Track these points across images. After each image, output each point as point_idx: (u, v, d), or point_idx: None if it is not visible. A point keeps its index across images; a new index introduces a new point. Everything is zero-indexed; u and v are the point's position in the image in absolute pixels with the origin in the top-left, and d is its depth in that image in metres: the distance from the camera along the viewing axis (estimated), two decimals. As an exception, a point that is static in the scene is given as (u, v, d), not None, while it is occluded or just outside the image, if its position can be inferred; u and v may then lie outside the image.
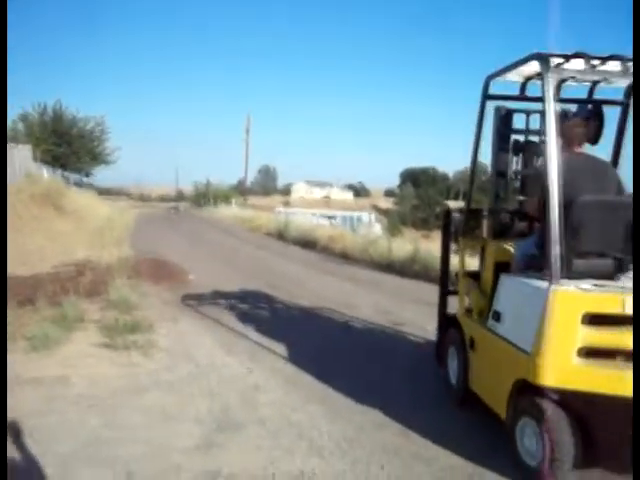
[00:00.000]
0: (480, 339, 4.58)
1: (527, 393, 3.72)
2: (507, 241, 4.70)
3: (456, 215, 5.38)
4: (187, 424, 4.53)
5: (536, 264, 4.00)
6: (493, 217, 4.89)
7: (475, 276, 5.09)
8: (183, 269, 12.56)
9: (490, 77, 4.66)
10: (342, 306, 9.20)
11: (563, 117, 4.24)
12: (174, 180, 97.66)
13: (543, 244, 3.83)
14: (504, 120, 4.82)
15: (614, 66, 3.98)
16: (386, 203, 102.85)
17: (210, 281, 11.09)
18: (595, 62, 3.93)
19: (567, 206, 3.70)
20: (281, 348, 6.81)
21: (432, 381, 5.68)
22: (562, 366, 3.52)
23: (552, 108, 3.75)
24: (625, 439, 3.18)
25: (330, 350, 6.81)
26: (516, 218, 4.70)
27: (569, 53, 3.90)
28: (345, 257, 16.37)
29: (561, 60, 3.92)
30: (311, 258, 16.66)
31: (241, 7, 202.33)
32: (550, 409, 3.54)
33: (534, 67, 4.23)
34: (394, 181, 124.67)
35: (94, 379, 5.46)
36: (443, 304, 5.69)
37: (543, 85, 3.79)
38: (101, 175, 47.49)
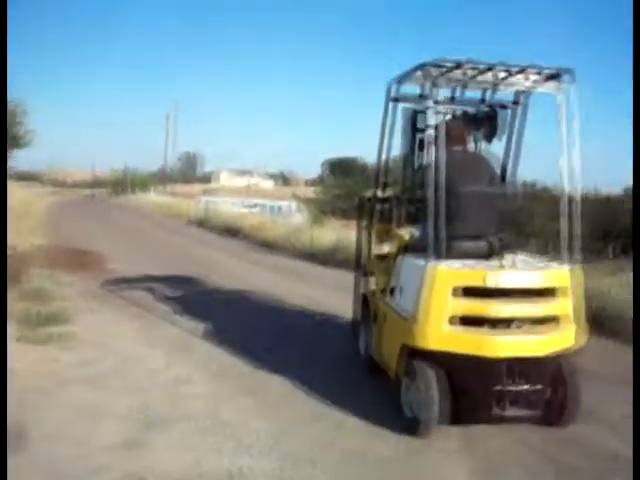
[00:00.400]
0: (381, 312, 5.09)
1: (409, 356, 4.32)
2: (413, 227, 5.07)
3: (368, 203, 5.89)
4: (110, 422, 4.33)
5: (422, 246, 4.44)
6: (400, 206, 5.37)
7: (384, 258, 5.54)
8: (102, 258, 12.26)
9: (392, 82, 5.19)
10: (267, 295, 9.13)
11: (452, 118, 5.14)
12: (90, 165, 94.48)
13: (425, 230, 4.38)
14: (410, 119, 5.14)
15: (491, 76, 4.64)
16: (308, 192, 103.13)
17: (131, 270, 10.79)
18: (472, 72, 4.54)
19: (448, 196, 4.21)
20: (206, 338, 6.68)
21: (350, 355, 6.03)
22: (435, 331, 4.07)
23: (432, 111, 4.43)
24: (489, 393, 4.02)
25: (257, 338, 6.73)
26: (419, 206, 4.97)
27: (453, 63, 4.35)
28: (268, 246, 16.28)
29: (443, 70, 4.42)
30: (234, 247, 16.53)
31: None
32: (424, 368, 4.13)
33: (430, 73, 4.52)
34: (316, 171, 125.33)
35: (9, 375, 5.19)
36: (358, 285, 6.07)
37: (425, 91, 4.51)
38: (16, 158, 45.43)
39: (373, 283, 5.70)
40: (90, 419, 4.36)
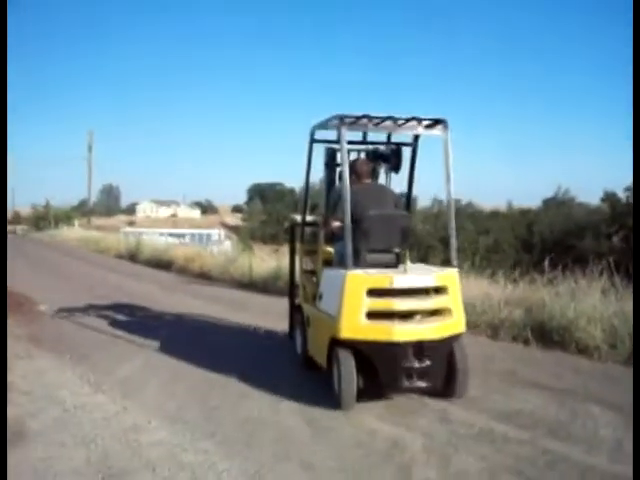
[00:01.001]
0: (312, 316, 6.19)
1: (334, 345, 5.36)
2: (333, 245, 6.22)
3: (298, 227, 7.20)
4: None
5: (341, 260, 5.59)
6: (324, 228, 6.32)
7: (312, 272, 6.67)
8: (31, 299, 11.66)
9: (314, 127, 6.47)
10: (212, 328, 8.86)
11: (366, 155, 6.60)
12: (9, 202, 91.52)
13: (343, 246, 5.42)
14: (331, 156, 6.49)
15: (390, 124, 5.86)
16: (234, 219, 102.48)
17: (63, 310, 10.28)
18: (375, 121, 5.76)
19: (360, 219, 5.47)
20: (155, 379, 6.33)
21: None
22: (355, 324, 5.13)
23: (345, 151, 5.60)
24: (399, 370, 5.12)
25: (208, 375, 6.45)
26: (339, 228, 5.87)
27: (360, 114, 5.57)
28: (205, 277, 15.92)
29: (353, 119, 5.62)
30: (169, 280, 16.03)
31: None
32: (346, 355, 5.21)
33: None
34: (242, 197, 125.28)
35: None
36: (291, 296, 7.34)
37: (339, 135, 5.60)
38: None
39: (304, 295, 6.76)
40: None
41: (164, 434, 4.82)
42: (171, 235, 37.66)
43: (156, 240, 27.10)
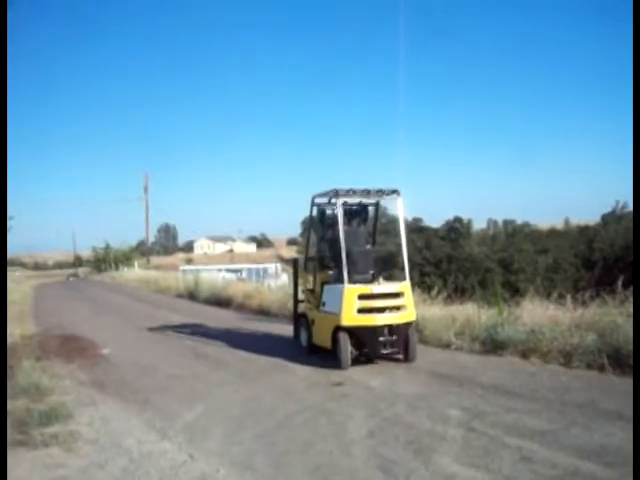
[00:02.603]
0: (317, 318, 9.38)
1: (336, 331, 8.58)
2: (327, 271, 9.59)
3: (300, 260, 11.01)
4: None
5: (339, 279, 8.82)
6: (320, 260, 9.75)
7: (312, 290, 9.82)
8: (95, 343, 11.71)
9: (314, 196, 9.65)
10: (276, 370, 8.69)
11: (347, 211, 9.43)
12: (71, 246, 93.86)
13: (340, 271, 8.77)
14: (321, 214, 9.69)
15: (363, 193, 9.30)
16: (290, 252, 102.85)
17: (127, 354, 10.34)
18: (355, 192, 9.17)
19: (348, 253, 8.74)
20: (220, 424, 6.22)
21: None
22: (350, 316, 8.45)
23: (340, 211, 8.91)
24: (378, 342, 8.49)
25: (279, 425, 6.25)
26: (331, 260, 9.50)
27: (347, 188, 8.98)
28: (264, 313, 15.81)
29: (343, 191, 8.96)
30: (229, 317, 15.90)
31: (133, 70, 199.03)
32: (344, 336, 8.50)
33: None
34: (296, 230, 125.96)
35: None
36: (295, 308, 10.53)
37: (336, 202, 9.05)
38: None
39: (307, 306, 9.91)
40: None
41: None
42: (228, 271, 37.87)
43: (214, 276, 27.21)
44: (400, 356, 8.83)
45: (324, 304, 9.08)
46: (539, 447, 5.04)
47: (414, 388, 7.31)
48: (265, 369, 8.85)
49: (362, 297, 8.46)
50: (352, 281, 8.58)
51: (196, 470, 4.97)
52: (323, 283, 9.36)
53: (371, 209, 10.04)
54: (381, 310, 8.52)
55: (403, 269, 9.07)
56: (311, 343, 9.55)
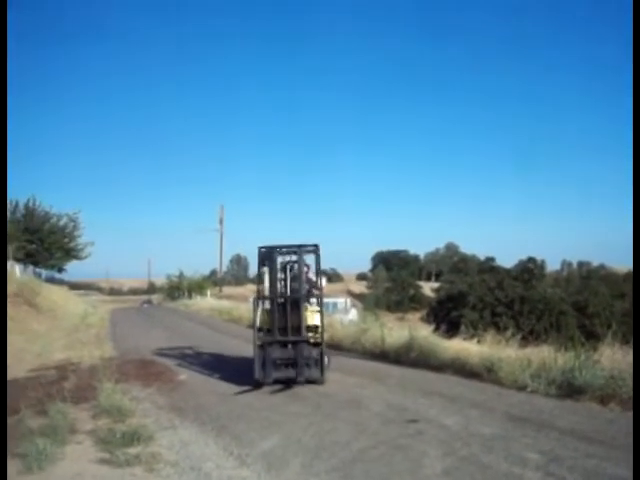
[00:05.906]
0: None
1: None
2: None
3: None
4: None
5: None
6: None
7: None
8: (171, 368, 11.98)
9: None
10: (350, 404, 8.67)
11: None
12: (145, 272, 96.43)
13: None
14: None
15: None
16: (359, 287, 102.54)
17: (203, 380, 10.52)
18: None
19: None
20: (298, 453, 6.24)
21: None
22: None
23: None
24: None
25: (354, 458, 6.21)
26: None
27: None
28: (335, 347, 15.79)
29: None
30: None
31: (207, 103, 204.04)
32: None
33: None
34: (365, 265, 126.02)
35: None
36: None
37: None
38: (72, 269, 46.42)
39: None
40: None
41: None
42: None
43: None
44: (477, 397, 8.44)
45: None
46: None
47: (489, 429, 7.17)
48: (341, 404, 8.82)
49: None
50: None
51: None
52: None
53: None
54: None
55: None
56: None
